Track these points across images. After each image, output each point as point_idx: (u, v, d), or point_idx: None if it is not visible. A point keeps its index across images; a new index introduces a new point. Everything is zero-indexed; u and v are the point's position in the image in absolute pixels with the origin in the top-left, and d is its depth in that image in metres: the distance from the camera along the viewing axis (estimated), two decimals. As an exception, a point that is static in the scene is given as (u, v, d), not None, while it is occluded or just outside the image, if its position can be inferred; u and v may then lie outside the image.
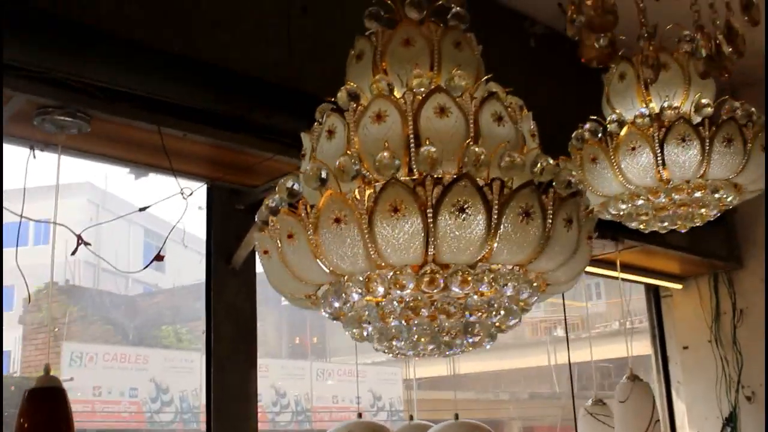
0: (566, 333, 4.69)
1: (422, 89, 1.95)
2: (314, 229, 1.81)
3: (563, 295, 3.85)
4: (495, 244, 1.77)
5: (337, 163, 1.83)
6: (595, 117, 2.71)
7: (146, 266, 2.33)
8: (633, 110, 2.69)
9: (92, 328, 18.06)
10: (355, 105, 1.99)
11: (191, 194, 2.46)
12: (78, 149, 2.46)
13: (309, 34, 3.01)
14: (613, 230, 3.73)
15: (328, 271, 1.85)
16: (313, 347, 20.16)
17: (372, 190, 1.80)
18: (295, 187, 1.91)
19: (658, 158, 2.51)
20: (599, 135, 2.65)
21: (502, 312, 1.92)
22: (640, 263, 4.74)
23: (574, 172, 1.98)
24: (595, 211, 2.71)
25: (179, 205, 2.49)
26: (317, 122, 2.08)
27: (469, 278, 1.82)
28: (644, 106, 2.65)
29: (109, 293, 20.05)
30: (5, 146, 2.41)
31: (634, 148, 2.54)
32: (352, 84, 2.05)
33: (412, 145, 1.88)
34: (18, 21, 2.14)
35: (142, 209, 2.40)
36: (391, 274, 1.81)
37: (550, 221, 1.81)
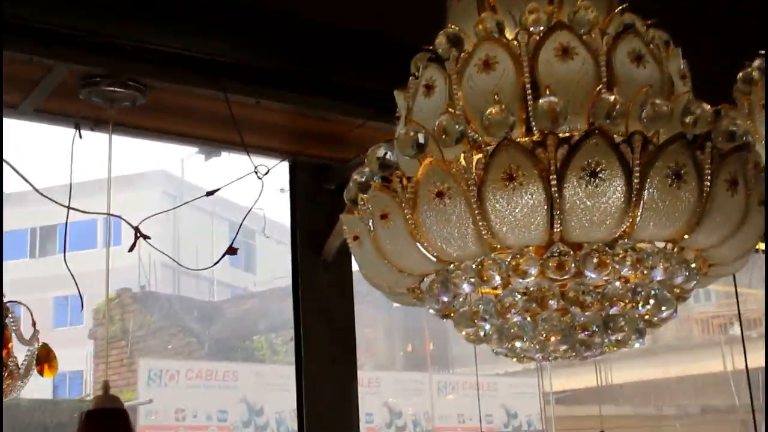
0: (741, 330, 4.52)
1: (540, 27, 1.90)
2: (412, 207, 1.79)
3: (735, 280, 3.71)
4: (638, 216, 1.71)
5: (437, 123, 1.80)
6: (766, 52, 2.58)
7: (216, 263, 2.34)
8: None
9: (173, 341, 18.65)
10: (457, 52, 1.95)
11: (267, 172, 2.48)
12: (132, 125, 2.51)
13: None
14: None
15: (431, 257, 1.83)
16: (432, 356, 20.23)
17: (481, 155, 1.76)
18: (388, 156, 1.89)
19: None
20: None
21: (652, 301, 1.85)
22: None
23: (739, 121, 1.88)
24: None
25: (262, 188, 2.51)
26: (413, 76, 2.05)
27: (608, 260, 1.76)
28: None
29: (190, 299, 20.68)
30: (50, 126, 2.48)
31: (817, 89, 2.40)
32: (453, 27, 2.01)
33: (530, 96, 1.83)
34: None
35: (209, 193, 2.43)
36: (510, 258, 1.77)
37: (708, 184, 1.73)
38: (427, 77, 1.97)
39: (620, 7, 2.02)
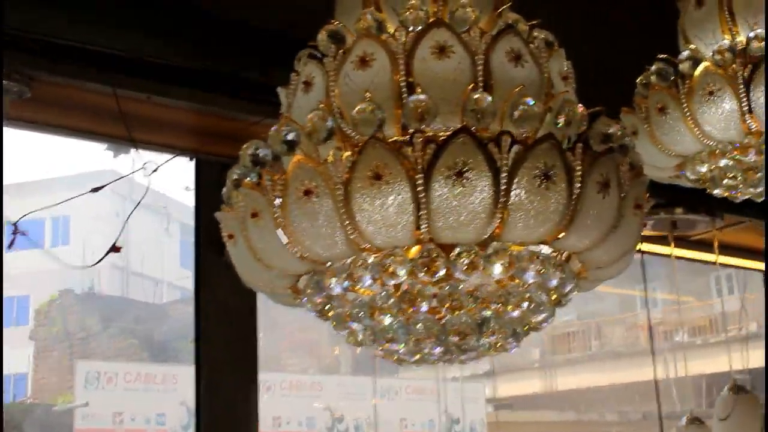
0: (651, 339, 4.54)
1: (420, 25, 1.87)
2: (281, 205, 1.75)
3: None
4: (507, 217, 1.69)
5: (306, 120, 1.77)
6: (664, 56, 2.59)
7: (99, 261, 2.28)
8: (714, 44, 2.55)
9: (114, 343, 18.47)
10: (337, 49, 1.92)
11: (156, 170, 2.43)
12: (21, 119, 2.45)
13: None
14: (707, 202, 3.58)
15: (301, 257, 1.79)
16: (380, 360, 20.22)
17: (350, 153, 1.73)
18: (261, 153, 1.85)
19: (743, 104, 2.37)
20: (670, 78, 2.52)
21: (525, 304, 1.83)
22: (752, 244, 4.55)
23: (615, 125, 1.87)
24: (670, 175, 2.62)
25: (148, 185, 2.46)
26: (295, 72, 2.02)
27: (478, 261, 1.73)
28: (729, 37, 2.52)
29: (134, 301, 20.49)
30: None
31: (712, 93, 2.41)
32: (335, 23, 1.98)
33: (404, 95, 1.80)
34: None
35: (94, 190, 2.37)
36: (377, 258, 1.75)
37: (579, 185, 1.71)
38: (307, 74, 1.94)
39: (503, 7, 2.01)
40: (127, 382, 14.92)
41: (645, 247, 4.08)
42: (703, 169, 2.56)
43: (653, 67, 2.57)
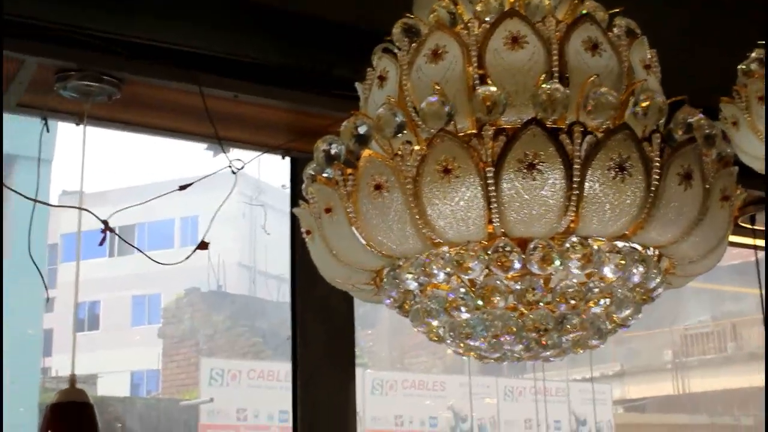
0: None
1: (491, 14, 1.85)
2: (353, 200, 1.76)
3: None
4: (582, 210, 1.65)
5: (376, 115, 1.77)
6: (765, 41, 2.49)
7: (188, 257, 2.33)
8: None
9: (239, 341, 18.86)
10: (410, 42, 1.92)
11: (242, 167, 2.47)
12: (110, 119, 2.53)
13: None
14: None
15: (374, 251, 1.80)
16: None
17: (419, 147, 1.73)
18: (334, 148, 1.86)
19: None
20: (773, 65, 2.42)
21: (606, 301, 1.79)
22: None
23: (700, 115, 1.82)
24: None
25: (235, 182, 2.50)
26: (371, 68, 2.03)
27: (553, 255, 1.71)
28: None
29: (260, 300, 20.88)
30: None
31: (815, 79, 2.31)
32: (410, 16, 1.98)
33: (477, 87, 1.79)
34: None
35: (182, 188, 2.43)
36: (450, 253, 1.74)
37: (657, 177, 1.67)
38: (381, 68, 1.95)
39: (581, -7, 1.96)
40: (250, 379, 15.22)
41: (762, 243, 3.94)
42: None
43: (753, 54, 2.48)
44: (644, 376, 20.67)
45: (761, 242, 3.96)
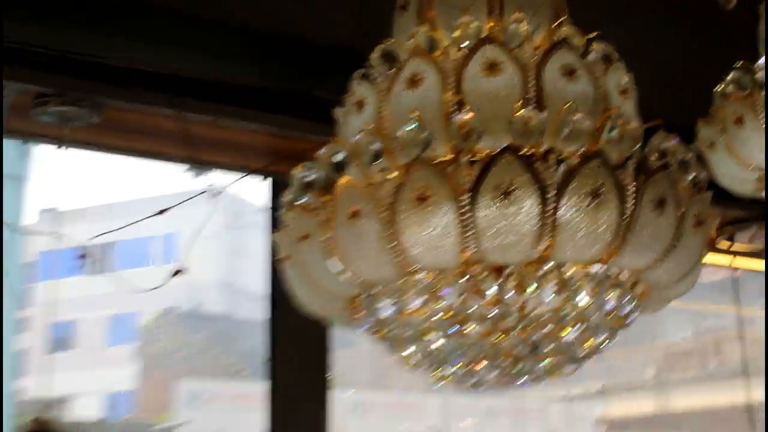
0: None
1: (470, 40, 1.88)
2: (329, 227, 1.78)
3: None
4: (556, 236, 1.68)
5: (353, 143, 1.79)
6: (742, 63, 2.53)
7: (163, 284, 2.34)
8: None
9: (217, 361, 18.78)
10: (388, 68, 1.94)
11: (221, 192, 2.49)
12: (89, 143, 2.54)
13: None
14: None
15: (350, 279, 1.82)
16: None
17: (396, 175, 1.75)
18: (311, 175, 1.88)
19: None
20: (748, 87, 2.47)
21: (581, 326, 1.82)
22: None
23: (676, 139, 1.85)
24: (753, 189, 2.56)
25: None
26: (350, 93, 2.05)
27: (528, 281, 1.73)
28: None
29: (239, 319, 20.78)
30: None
31: (790, 102, 2.35)
32: (389, 41, 2.00)
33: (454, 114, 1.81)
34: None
35: (161, 212, 2.44)
36: (426, 280, 1.76)
37: (632, 203, 1.69)
38: (359, 94, 1.97)
39: (559, 21, 1.99)
40: (228, 402, 15.15)
41: (741, 263, 3.98)
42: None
43: (730, 76, 2.52)
44: (626, 393, 20.68)
45: (741, 262, 4.00)
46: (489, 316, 1.79)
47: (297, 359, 3.00)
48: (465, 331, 1.79)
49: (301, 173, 1.89)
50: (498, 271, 1.75)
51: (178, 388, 15.47)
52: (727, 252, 3.92)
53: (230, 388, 15.85)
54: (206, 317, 20.90)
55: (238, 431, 14.81)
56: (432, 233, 1.68)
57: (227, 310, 23.14)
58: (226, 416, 14.81)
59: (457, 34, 1.91)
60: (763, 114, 2.41)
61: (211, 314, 21.43)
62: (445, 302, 1.77)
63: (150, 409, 18.71)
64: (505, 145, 1.68)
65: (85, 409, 18.28)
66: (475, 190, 1.65)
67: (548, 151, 1.68)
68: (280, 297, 3.07)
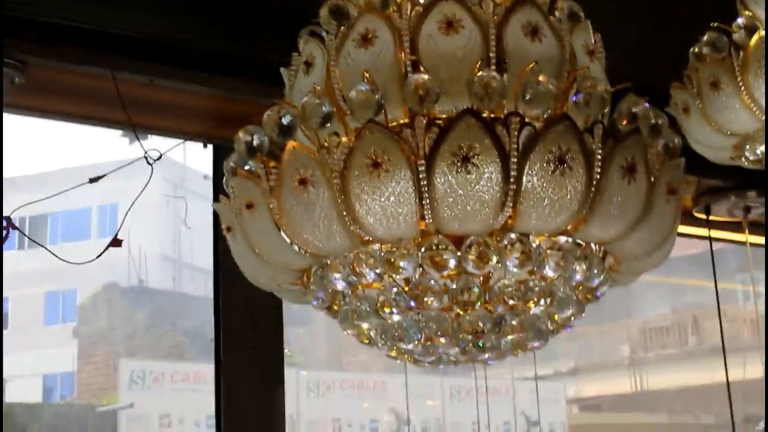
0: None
1: (428, -2, 1.88)
2: (276, 195, 1.78)
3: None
4: (519, 206, 1.69)
5: (300, 104, 1.79)
6: (718, 24, 2.54)
7: (99, 255, 2.33)
8: (774, 9, 2.50)
9: (162, 340, 18.75)
10: (338, 26, 1.94)
11: (160, 158, 2.47)
12: (15, 105, 2.51)
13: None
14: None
15: (299, 250, 1.82)
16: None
17: (347, 139, 1.75)
18: (256, 139, 1.88)
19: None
20: (724, 49, 2.48)
21: (547, 300, 1.83)
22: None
23: (645, 104, 1.86)
24: (730, 156, 2.59)
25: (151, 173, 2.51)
26: (296, 53, 2.05)
27: (490, 253, 1.74)
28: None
29: (185, 295, 20.75)
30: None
31: (769, 64, 2.36)
32: (342, -3, 2.00)
33: (409, 75, 1.81)
34: None
35: (92, 180, 2.43)
36: (382, 251, 1.77)
37: (599, 170, 1.71)
38: (308, 53, 1.97)
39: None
40: (174, 382, 15.13)
41: (717, 234, 4.03)
42: (762, 148, 2.52)
43: (705, 37, 2.53)
44: (600, 373, 20.93)
45: (717, 233, 4.05)
46: (449, 289, 1.81)
47: (247, 337, 2.99)
48: (423, 306, 1.80)
49: (244, 137, 1.88)
50: (458, 241, 1.76)
51: (121, 369, 15.40)
52: (704, 222, 3.96)
53: (177, 368, 15.80)
54: (149, 293, 20.82)
55: (186, 414, 14.82)
56: (387, 201, 1.69)
57: (171, 285, 23.07)
58: (173, 398, 14.82)
59: (414, -12, 1.91)
60: (740, 77, 2.43)
61: (154, 290, 21.35)
62: (401, 275, 1.78)
63: (91, 391, 18.67)
64: (464, 108, 1.69)
65: (23, 392, 18.16)
66: (432, 155, 1.66)
67: (510, 115, 1.67)
68: (226, 271, 3.07)
